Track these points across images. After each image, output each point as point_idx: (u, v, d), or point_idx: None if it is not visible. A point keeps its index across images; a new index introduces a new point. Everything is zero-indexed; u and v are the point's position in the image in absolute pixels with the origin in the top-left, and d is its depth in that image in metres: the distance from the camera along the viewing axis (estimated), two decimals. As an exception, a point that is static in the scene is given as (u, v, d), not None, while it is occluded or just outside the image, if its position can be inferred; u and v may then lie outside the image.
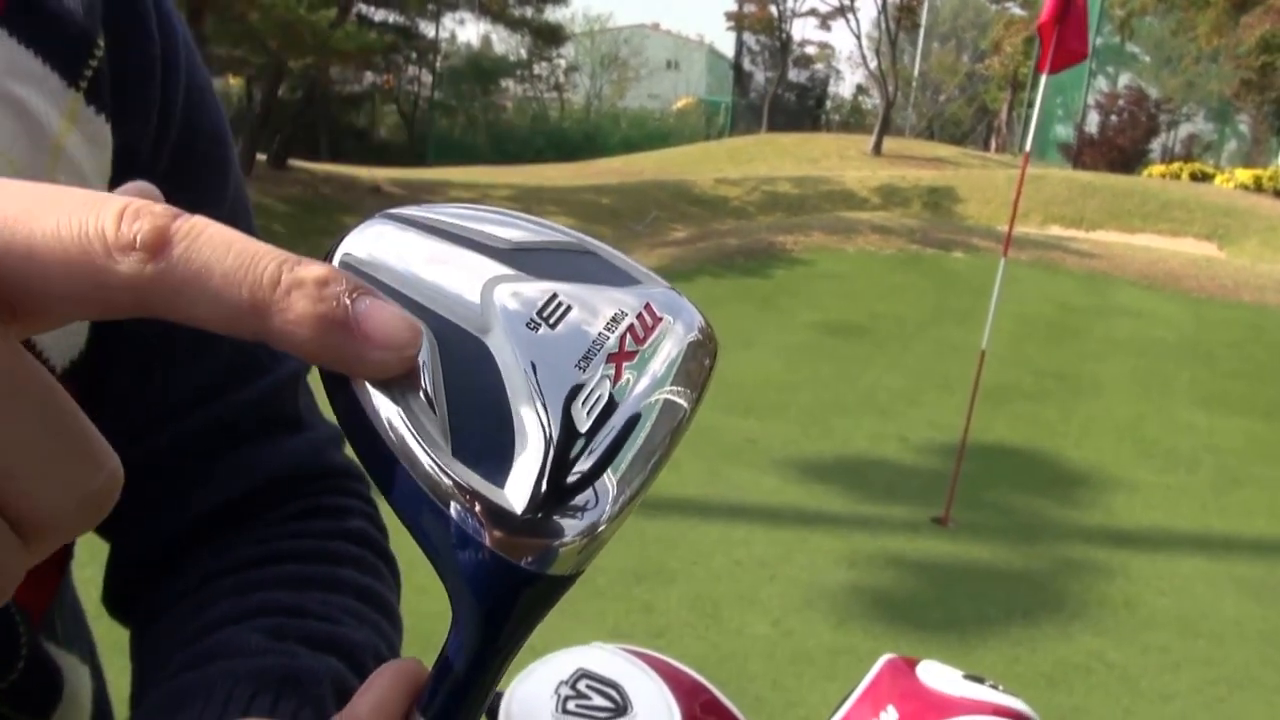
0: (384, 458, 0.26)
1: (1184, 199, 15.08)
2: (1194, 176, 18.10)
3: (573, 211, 13.98)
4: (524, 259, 0.30)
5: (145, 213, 0.23)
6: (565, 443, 0.26)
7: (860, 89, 40.68)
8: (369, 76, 30.30)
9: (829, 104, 40.26)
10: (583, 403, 0.27)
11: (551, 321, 0.28)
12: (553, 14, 20.18)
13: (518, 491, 0.26)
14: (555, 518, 0.26)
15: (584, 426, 0.27)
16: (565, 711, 0.73)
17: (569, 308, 0.29)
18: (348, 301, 0.24)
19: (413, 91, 31.02)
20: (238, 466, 0.55)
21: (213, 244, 0.23)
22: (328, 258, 0.28)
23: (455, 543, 0.26)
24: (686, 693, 0.77)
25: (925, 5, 30.20)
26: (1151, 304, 9.45)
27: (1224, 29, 22.71)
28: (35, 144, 0.44)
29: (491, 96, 31.14)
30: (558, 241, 0.31)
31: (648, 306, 0.30)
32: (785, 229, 11.30)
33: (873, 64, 24.43)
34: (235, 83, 24.74)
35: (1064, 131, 27.64)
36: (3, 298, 0.22)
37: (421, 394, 0.26)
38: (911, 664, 0.91)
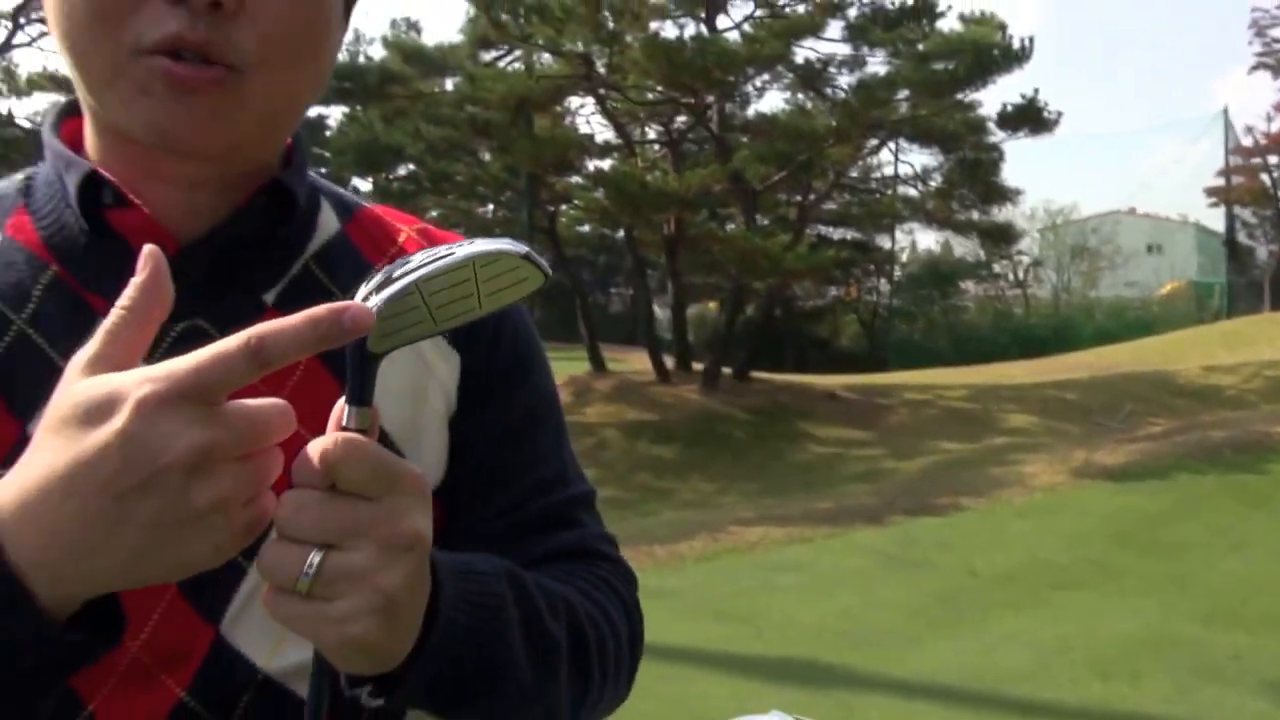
0: None
1: None
2: None
3: (1032, 408, 13.39)
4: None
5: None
6: (382, 282, 0.54)
7: (1393, 254, 35.03)
8: (832, 290, 31.73)
9: (1352, 274, 35.05)
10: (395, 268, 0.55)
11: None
12: (1003, 214, 20.04)
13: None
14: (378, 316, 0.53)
15: (394, 274, 0.54)
16: None
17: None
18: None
19: (871, 300, 31.89)
20: (534, 547, 0.77)
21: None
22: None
23: None
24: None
25: None
26: None
27: None
28: (424, 376, 0.76)
29: (950, 299, 31.12)
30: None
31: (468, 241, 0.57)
32: (1286, 417, 9.95)
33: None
34: (712, 306, 27.25)
35: None
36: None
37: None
38: None
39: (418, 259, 0.55)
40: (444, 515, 0.73)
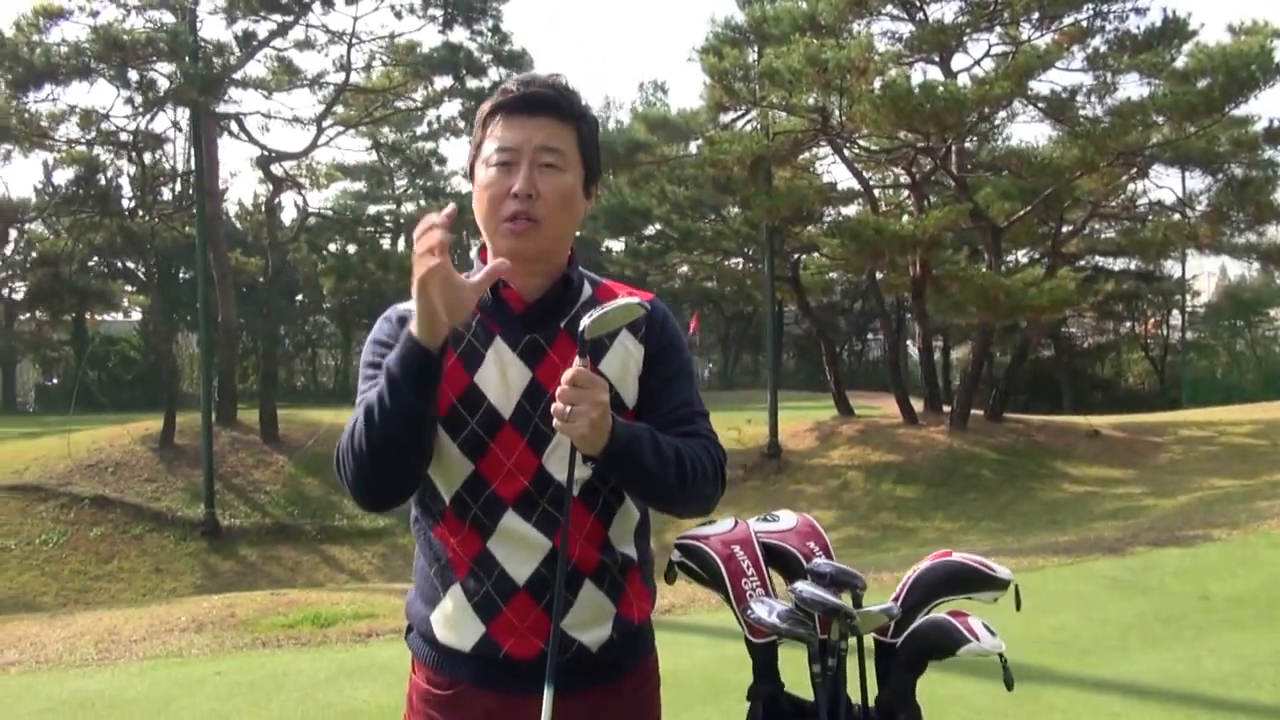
0: None
1: None
2: None
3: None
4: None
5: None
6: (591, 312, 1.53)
7: None
8: (1120, 326, 29.69)
9: None
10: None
11: None
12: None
13: None
14: None
15: (594, 311, 1.52)
16: None
17: None
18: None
19: (1160, 335, 29.72)
20: (671, 430, 1.64)
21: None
22: None
23: None
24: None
25: None
26: None
27: None
28: (628, 356, 1.70)
29: (1257, 329, 28.55)
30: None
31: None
32: None
33: None
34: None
35: None
36: None
37: None
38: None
39: (606, 304, 1.50)
40: (635, 417, 1.65)
